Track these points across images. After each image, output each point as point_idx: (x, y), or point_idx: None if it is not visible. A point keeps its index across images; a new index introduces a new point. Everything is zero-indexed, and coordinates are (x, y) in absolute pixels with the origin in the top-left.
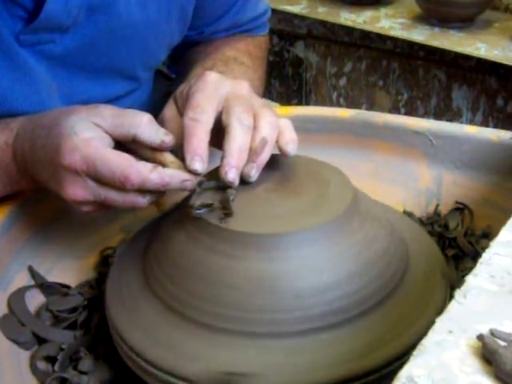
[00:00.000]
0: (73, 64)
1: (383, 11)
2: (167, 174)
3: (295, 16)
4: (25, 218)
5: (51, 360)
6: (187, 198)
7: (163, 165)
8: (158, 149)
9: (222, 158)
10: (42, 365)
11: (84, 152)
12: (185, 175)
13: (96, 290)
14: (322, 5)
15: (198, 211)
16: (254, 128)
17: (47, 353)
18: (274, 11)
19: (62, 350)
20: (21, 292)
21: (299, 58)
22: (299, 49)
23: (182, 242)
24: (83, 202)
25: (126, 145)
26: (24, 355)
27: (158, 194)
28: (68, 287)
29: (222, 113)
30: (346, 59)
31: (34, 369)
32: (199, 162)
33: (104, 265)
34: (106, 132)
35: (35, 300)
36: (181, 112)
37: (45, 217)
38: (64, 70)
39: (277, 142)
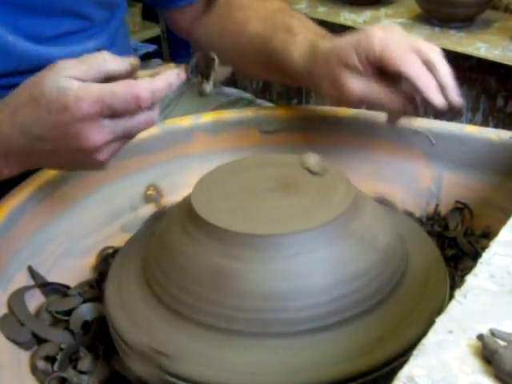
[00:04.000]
0: (11, 2)
1: (383, 11)
2: (167, 76)
3: None
4: (25, 217)
5: (51, 360)
6: (187, 198)
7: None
8: (131, 73)
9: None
10: (41, 365)
11: (89, 96)
12: (175, 70)
13: (96, 290)
14: (321, 5)
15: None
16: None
17: (47, 353)
18: None
19: (61, 349)
20: (20, 292)
21: None
22: None
23: (181, 242)
24: (103, 147)
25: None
26: (24, 355)
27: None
28: (68, 287)
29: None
30: None
31: (33, 369)
32: None
33: (104, 265)
34: (82, 79)
35: (35, 300)
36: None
37: (45, 217)
38: (3, 8)
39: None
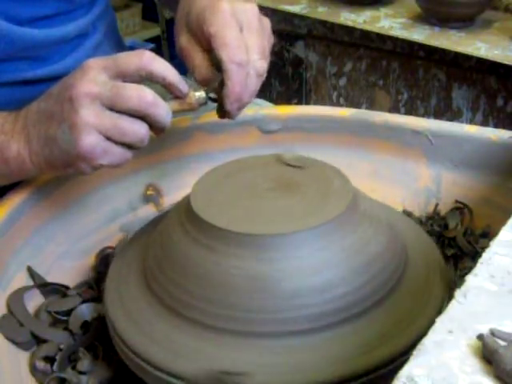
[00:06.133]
0: None
1: (383, 11)
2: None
3: (295, 16)
4: (24, 217)
5: (50, 360)
6: (186, 198)
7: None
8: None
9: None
10: (40, 365)
11: (100, 59)
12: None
13: (95, 291)
14: (321, 5)
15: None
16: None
17: (46, 353)
18: (274, 11)
19: (60, 350)
20: (20, 292)
21: (299, 58)
22: (299, 49)
23: (181, 243)
24: (91, 103)
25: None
26: (23, 355)
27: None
28: (67, 287)
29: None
30: (346, 59)
31: (32, 369)
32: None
33: (103, 265)
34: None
35: (34, 300)
36: (197, 39)
37: (44, 217)
38: None
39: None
